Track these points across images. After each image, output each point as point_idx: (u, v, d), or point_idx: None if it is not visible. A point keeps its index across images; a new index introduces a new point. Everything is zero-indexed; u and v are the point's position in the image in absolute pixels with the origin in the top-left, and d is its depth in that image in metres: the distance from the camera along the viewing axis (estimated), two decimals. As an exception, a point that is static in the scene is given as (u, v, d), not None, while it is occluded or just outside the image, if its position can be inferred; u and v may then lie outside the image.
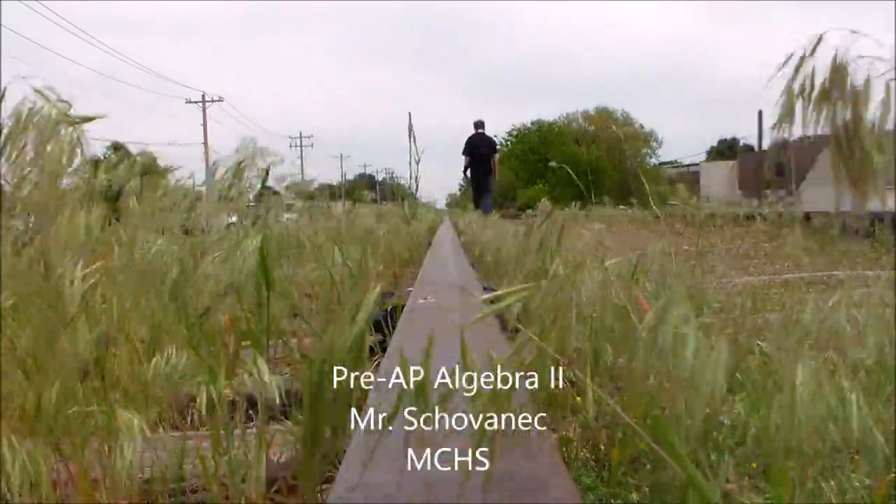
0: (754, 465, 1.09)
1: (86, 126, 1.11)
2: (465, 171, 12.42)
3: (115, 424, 1.11)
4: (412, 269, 4.59)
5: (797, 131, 0.78)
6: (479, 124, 12.37)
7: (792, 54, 0.75)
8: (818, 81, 0.73)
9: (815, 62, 0.74)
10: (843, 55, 0.71)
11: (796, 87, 0.74)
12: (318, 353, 0.70)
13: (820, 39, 0.73)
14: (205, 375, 1.22)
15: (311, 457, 0.66)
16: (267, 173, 1.58)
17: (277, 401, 1.33)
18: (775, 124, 0.77)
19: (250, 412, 1.62)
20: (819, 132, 0.76)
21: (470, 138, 12.23)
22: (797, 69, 0.74)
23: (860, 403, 0.85)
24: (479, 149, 12.12)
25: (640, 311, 0.80)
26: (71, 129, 1.07)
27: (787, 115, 0.75)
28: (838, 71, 0.71)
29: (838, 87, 0.71)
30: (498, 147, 13.18)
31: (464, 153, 12.19)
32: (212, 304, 1.55)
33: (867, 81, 0.69)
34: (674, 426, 0.72)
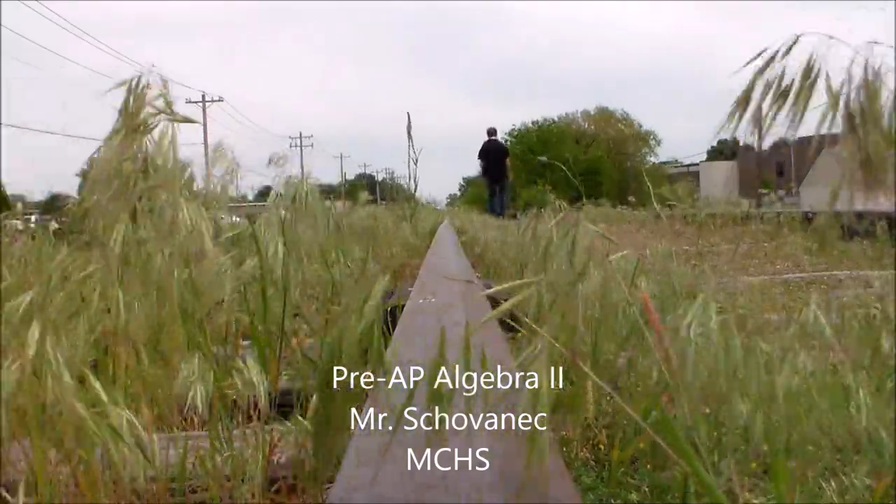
0: (754, 464, 1.09)
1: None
2: (482, 173, 13.70)
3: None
4: (412, 268, 4.59)
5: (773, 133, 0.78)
6: (491, 131, 13.65)
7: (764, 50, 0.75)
8: (786, 81, 0.74)
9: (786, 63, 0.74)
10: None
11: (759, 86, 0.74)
12: (326, 348, 0.70)
13: (796, 41, 0.73)
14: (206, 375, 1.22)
15: (319, 455, 0.66)
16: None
17: (264, 402, 1.33)
18: (728, 118, 0.77)
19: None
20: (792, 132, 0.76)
21: (484, 144, 13.50)
22: (763, 69, 0.74)
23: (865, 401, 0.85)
24: (492, 154, 13.34)
25: (647, 315, 0.81)
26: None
27: (735, 112, 0.75)
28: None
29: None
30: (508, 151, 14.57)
31: (479, 157, 13.48)
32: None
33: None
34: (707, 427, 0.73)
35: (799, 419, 0.82)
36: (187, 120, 1.12)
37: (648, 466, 1.48)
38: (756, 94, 0.75)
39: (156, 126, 1.10)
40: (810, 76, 0.72)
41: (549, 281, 0.84)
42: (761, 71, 0.74)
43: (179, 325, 1.29)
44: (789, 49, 0.74)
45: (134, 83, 1.06)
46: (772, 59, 0.74)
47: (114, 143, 1.03)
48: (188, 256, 1.22)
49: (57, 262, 1.06)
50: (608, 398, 1.73)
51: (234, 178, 1.55)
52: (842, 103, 0.70)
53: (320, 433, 0.64)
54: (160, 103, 1.09)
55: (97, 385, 1.06)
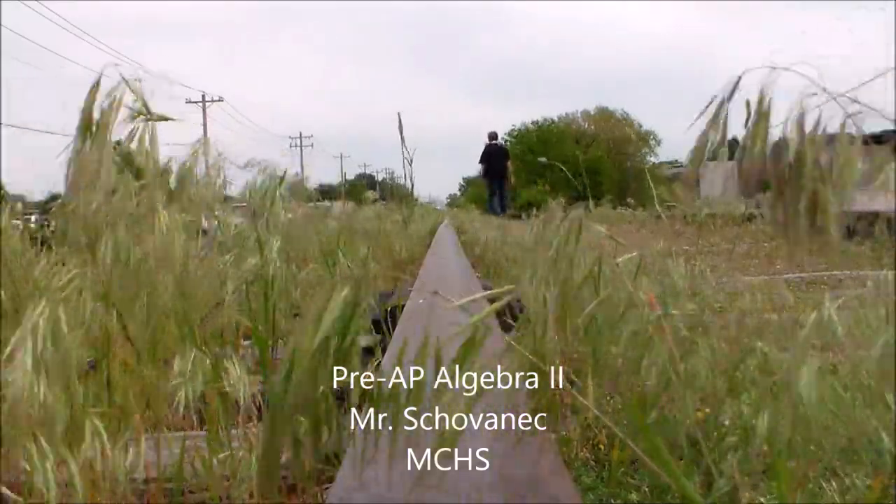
0: (754, 464, 1.09)
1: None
2: (483, 174, 14.06)
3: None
4: (413, 267, 4.59)
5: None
6: (492, 135, 14.02)
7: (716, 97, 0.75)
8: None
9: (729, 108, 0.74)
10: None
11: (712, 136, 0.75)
12: (281, 363, 0.69)
13: (737, 83, 0.73)
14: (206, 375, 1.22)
15: (269, 470, 0.65)
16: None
17: (242, 402, 1.33)
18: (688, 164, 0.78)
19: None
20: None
21: (485, 148, 13.81)
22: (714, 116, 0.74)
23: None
24: (493, 156, 13.64)
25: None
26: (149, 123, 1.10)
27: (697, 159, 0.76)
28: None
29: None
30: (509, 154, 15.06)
31: (480, 162, 13.81)
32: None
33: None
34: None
35: (791, 419, 0.81)
36: (164, 118, 1.10)
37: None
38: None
39: (137, 130, 1.08)
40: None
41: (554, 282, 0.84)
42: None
43: (172, 326, 1.29)
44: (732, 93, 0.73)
45: (89, 95, 1.03)
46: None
47: (82, 152, 1.01)
48: (161, 260, 1.21)
49: (41, 267, 1.04)
50: (608, 398, 1.73)
51: (221, 172, 1.54)
52: (773, 164, 0.70)
53: (268, 451, 0.63)
54: (138, 105, 1.07)
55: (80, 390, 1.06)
